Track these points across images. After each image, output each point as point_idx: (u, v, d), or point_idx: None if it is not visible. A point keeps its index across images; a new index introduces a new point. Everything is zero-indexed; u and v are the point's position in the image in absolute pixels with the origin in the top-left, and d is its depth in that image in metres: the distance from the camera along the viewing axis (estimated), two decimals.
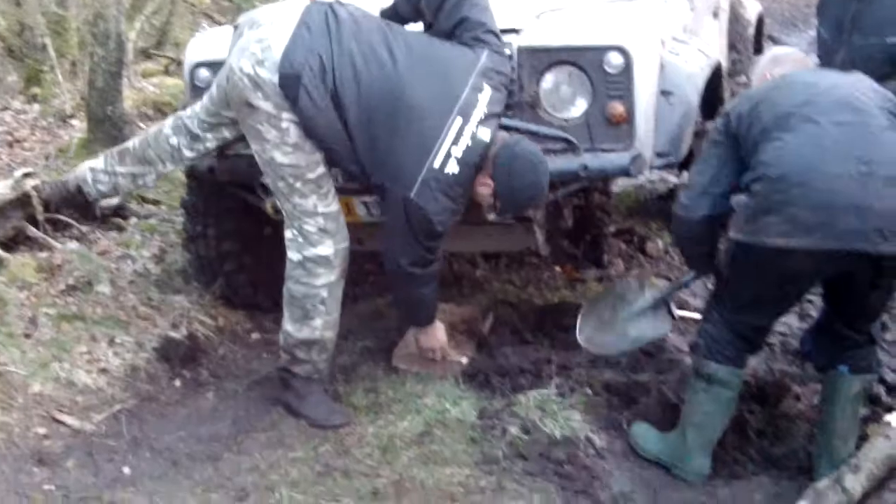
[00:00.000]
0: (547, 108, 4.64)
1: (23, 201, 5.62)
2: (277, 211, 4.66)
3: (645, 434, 4.40)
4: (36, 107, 8.59)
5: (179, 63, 9.71)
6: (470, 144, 4.23)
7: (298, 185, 4.33)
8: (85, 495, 3.92)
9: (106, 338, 4.96)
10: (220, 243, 5.45)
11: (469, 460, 4.16)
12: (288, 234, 4.43)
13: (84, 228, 5.94)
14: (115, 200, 6.04)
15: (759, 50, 10.59)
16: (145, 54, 10.05)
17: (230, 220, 5.42)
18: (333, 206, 4.41)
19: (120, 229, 6.17)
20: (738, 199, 3.98)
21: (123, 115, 7.09)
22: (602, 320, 4.83)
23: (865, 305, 4.15)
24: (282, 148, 4.27)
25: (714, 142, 4.15)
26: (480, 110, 4.27)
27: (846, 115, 3.90)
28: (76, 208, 5.15)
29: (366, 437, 4.33)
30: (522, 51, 4.61)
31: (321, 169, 4.35)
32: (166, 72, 9.74)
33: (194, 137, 4.67)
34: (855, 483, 3.90)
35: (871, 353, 4.26)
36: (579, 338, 4.78)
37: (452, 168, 4.21)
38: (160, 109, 8.60)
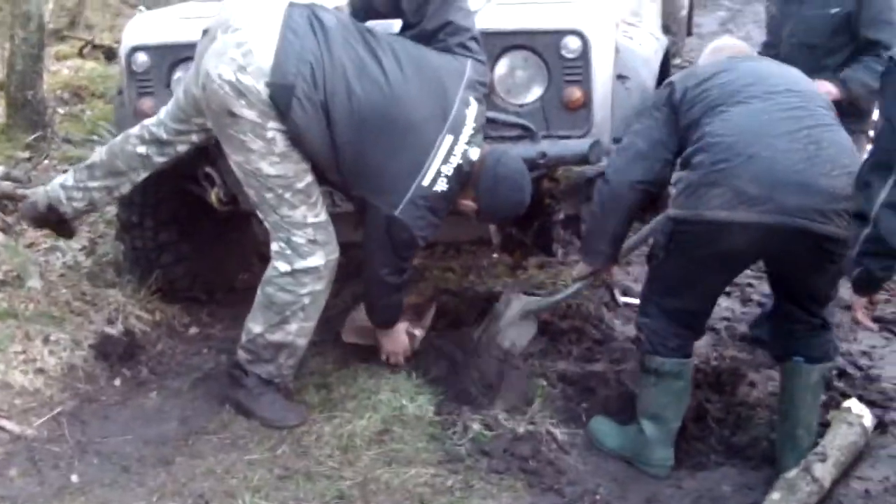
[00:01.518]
0: (501, 93, 4.59)
1: None
2: (222, 202, 4.53)
3: (604, 429, 4.38)
4: None
5: (95, 46, 9.52)
6: (460, 163, 4.18)
7: (287, 195, 4.20)
8: None
9: (40, 335, 4.73)
10: (158, 234, 5.29)
11: (432, 458, 4.10)
12: (275, 246, 4.30)
13: (9, 219, 5.72)
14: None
15: (690, 32, 10.69)
16: (58, 36, 9.76)
17: (168, 209, 5.27)
18: (322, 215, 4.31)
19: None
20: (679, 175, 3.97)
21: (44, 100, 6.89)
22: (488, 335, 4.88)
23: (814, 289, 4.12)
24: (268, 158, 4.13)
25: (655, 108, 4.15)
26: (469, 126, 4.22)
27: (794, 99, 3.96)
28: (52, 227, 4.92)
29: (323, 436, 4.22)
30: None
31: (309, 177, 4.23)
32: (81, 54, 9.47)
33: (163, 144, 4.50)
34: (824, 472, 3.96)
35: (827, 340, 4.24)
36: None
37: (441, 186, 4.16)
38: (77, 93, 8.44)
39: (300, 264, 4.27)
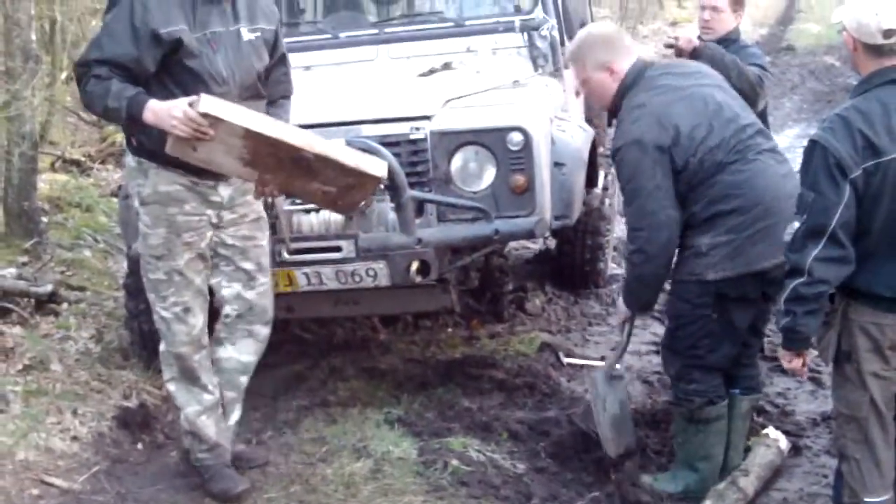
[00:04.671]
0: (458, 183, 5.27)
1: None
2: None
3: (662, 480, 4.84)
4: None
5: (66, 160, 10.12)
6: None
7: (143, 278, 4.61)
8: None
9: (69, 409, 5.39)
10: None
11: (420, 490, 4.73)
12: None
13: (24, 314, 6.40)
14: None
15: (610, 123, 11.37)
16: None
17: None
18: (167, 313, 4.56)
19: (56, 314, 6.63)
20: (712, 241, 4.35)
21: (38, 209, 7.44)
22: (602, 428, 4.98)
23: (766, 318, 4.77)
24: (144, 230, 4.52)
25: (661, 177, 4.34)
26: None
27: (772, 144, 4.58)
28: None
29: (327, 477, 4.84)
30: (434, 134, 5.25)
31: (160, 275, 4.50)
32: (53, 168, 10.02)
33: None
34: (747, 483, 4.65)
35: (757, 374, 4.92)
36: (614, 454, 4.94)
37: None
38: (56, 204, 8.90)
39: (160, 345, 4.74)
